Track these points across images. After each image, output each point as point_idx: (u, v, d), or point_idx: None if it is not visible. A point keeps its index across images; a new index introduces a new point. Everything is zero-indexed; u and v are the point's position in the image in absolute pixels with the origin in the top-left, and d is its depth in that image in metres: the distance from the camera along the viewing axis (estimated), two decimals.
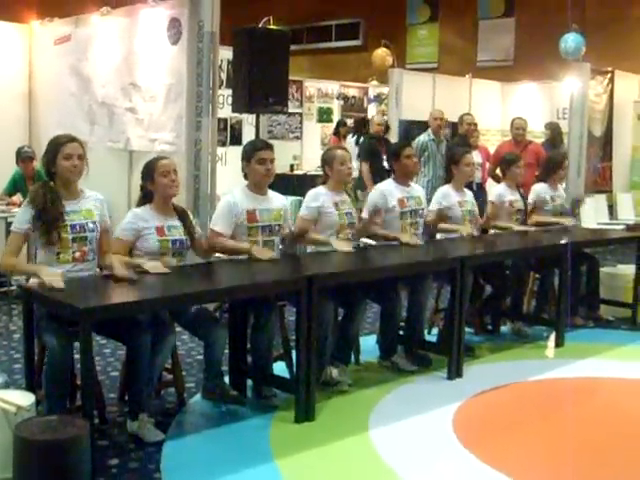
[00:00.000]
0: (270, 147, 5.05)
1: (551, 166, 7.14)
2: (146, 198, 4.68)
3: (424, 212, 5.95)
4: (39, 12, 9.29)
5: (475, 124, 9.43)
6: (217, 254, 5.07)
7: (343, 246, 5.24)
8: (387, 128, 10.27)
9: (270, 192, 5.11)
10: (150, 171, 4.63)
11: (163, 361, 4.42)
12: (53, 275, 3.99)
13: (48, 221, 4.17)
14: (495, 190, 6.85)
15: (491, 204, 6.69)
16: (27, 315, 4.07)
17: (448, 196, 6.21)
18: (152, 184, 4.61)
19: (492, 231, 6.71)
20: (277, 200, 5.13)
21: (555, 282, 6.44)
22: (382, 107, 13.78)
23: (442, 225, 6.14)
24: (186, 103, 6.59)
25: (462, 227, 6.12)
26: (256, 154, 4.94)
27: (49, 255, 4.22)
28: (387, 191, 5.76)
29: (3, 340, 5.97)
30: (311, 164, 12.13)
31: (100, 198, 4.47)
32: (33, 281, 4.16)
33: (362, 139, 10.11)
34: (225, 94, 9.11)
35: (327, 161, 5.43)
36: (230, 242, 4.91)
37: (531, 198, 6.99)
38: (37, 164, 7.48)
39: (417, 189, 6.02)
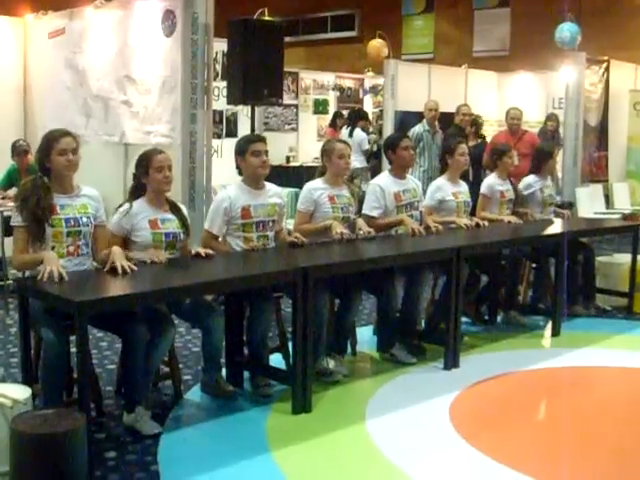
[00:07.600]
0: (263, 139, 5.05)
1: (541, 157, 7.12)
2: (139, 189, 4.65)
3: (420, 204, 5.95)
4: (33, 5, 9.25)
5: (470, 114, 9.42)
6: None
7: (337, 227, 5.23)
8: (475, 123, 9.63)
9: (268, 185, 5.11)
10: (145, 164, 4.59)
11: (161, 355, 4.42)
12: (54, 263, 3.96)
13: (37, 215, 4.13)
14: (486, 181, 6.81)
15: (482, 196, 6.69)
16: (23, 309, 4.06)
17: (441, 189, 6.21)
18: (146, 177, 4.57)
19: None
20: (274, 194, 5.12)
21: (552, 272, 6.44)
22: (378, 98, 13.78)
23: (436, 219, 6.13)
24: (181, 95, 6.59)
25: (457, 219, 6.13)
26: (250, 147, 4.94)
27: (43, 248, 4.18)
28: (384, 185, 5.76)
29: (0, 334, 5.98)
30: (307, 156, 12.15)
31: (96, 194, 4.45)
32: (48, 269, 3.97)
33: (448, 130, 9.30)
34: (220, 86, 9.08)
35: (326, 153, 5.42)
36: None
37: (521, 189, 6.95)
38: (32, 158, 7.46)
39: (412, 181, 6.02)
